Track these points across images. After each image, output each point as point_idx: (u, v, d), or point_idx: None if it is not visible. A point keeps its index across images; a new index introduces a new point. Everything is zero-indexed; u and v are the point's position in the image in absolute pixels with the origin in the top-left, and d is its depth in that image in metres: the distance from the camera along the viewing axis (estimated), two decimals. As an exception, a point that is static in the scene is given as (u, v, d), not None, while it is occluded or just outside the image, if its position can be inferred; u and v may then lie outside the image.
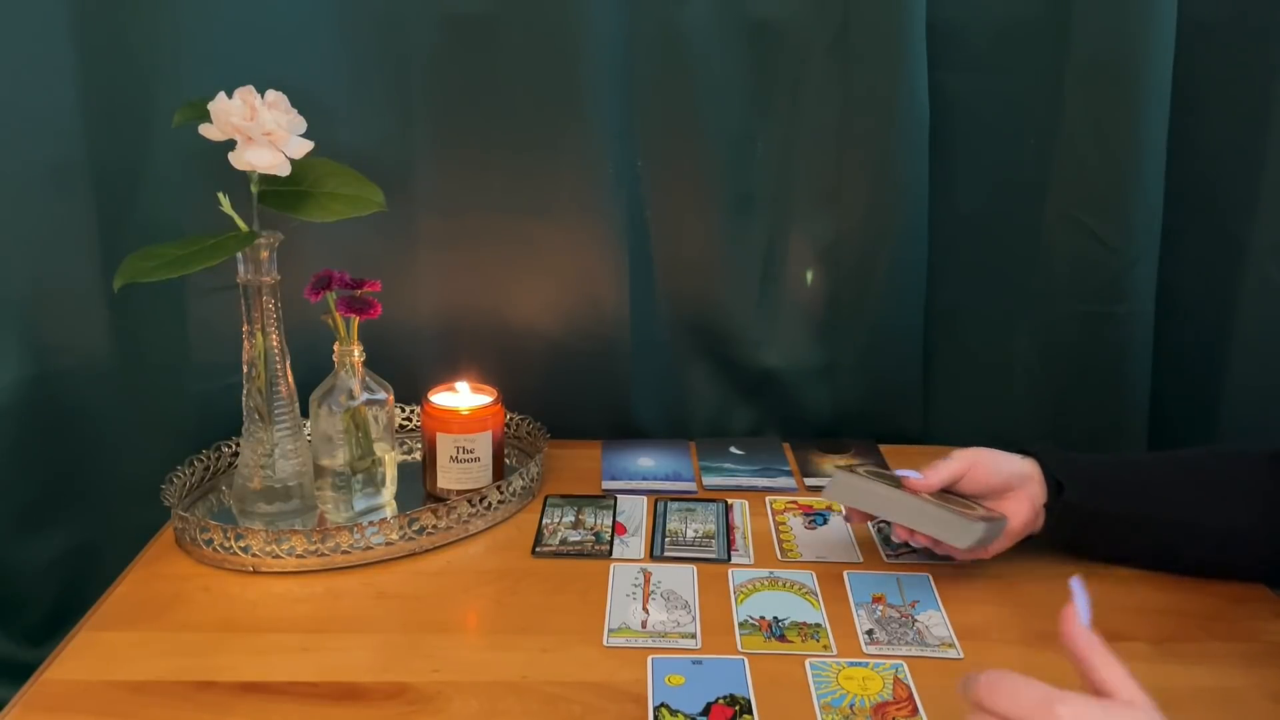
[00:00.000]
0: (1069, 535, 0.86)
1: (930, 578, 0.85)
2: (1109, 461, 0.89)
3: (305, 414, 0.94)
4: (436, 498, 0.96)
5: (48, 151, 0.93)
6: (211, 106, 0.81)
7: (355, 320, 0.92)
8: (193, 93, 0.86)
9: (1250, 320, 1.01)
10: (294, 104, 0.84)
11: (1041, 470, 0.85)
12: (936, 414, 1.14)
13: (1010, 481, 0.84)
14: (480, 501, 0.92)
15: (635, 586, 0.84)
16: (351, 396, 0.93)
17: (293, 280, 0.90)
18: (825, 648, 0.76)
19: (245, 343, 0.89)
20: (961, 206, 1.07)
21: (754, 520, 0.95)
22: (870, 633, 0.78)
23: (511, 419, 1.07)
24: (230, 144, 0.82)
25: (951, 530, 0.80)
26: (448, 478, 0.96)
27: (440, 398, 0.98)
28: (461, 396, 0.99)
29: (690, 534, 0.92)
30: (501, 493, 0.94)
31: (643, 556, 0.89)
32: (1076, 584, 0.61)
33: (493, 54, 0.99)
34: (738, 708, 0.69)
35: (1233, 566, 0.85)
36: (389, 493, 0.98)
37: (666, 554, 0.89)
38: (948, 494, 0.85)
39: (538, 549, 0.90)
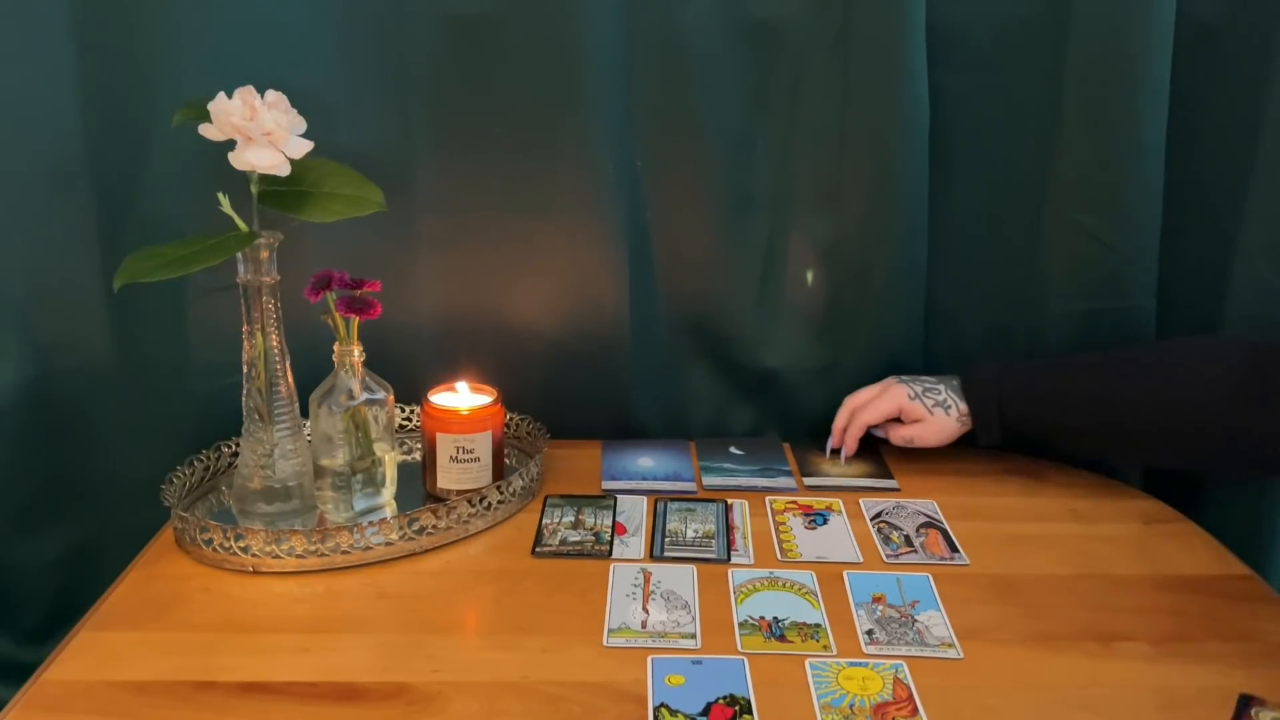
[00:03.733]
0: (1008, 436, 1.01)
1: (930, 578, 0.85)
2: (1044, 382, 1.00)
3: (305, 414, 0.94)
4: (436, 498, 0.96)
5: (48, 151, 0.93)
6: (211, 106, 0.81)
7: (355, 320, 0.92)
8: (193, 93, 0.86)
9: (1246, 320, 1.01)
10: (294, 104, 0.84)
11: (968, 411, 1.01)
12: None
13: (933, 417, 1.02)
14: (480, 501, 0.92)
15: (635, 586, 0.84)
16: (351, 396, 0.93)
17: (293, 280, 0.90)
18: (825, 648, 0.76)
19: (245, 343, 0.89)
20: (961, 206, 1.07)
21: (754, 520, 0.95)
22: (870, 633, 0.78)
23: (511, 419, 1.07)
24: (230, 144, 0.82)
25: None
26: (448, 478, 0.96)
27: (440, 398, 0.98)
28: (461, 396, 0.99)
29: (690, 534, 0.92)
30: (501, 493, 0.94)
31: (643, 556, 0.89)
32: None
33: (493, 54, 0.99)
34: (738, 708, 0.69)
35: (1192, 460, 0.96)
36: (389, 493, 0.98)
37: (666, 554, 0.89)
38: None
39: (538, 549, 0.90)
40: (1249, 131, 0.98)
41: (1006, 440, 1.01)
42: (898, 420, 1.04)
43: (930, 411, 1.01)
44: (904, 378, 1.05)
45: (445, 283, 1.07)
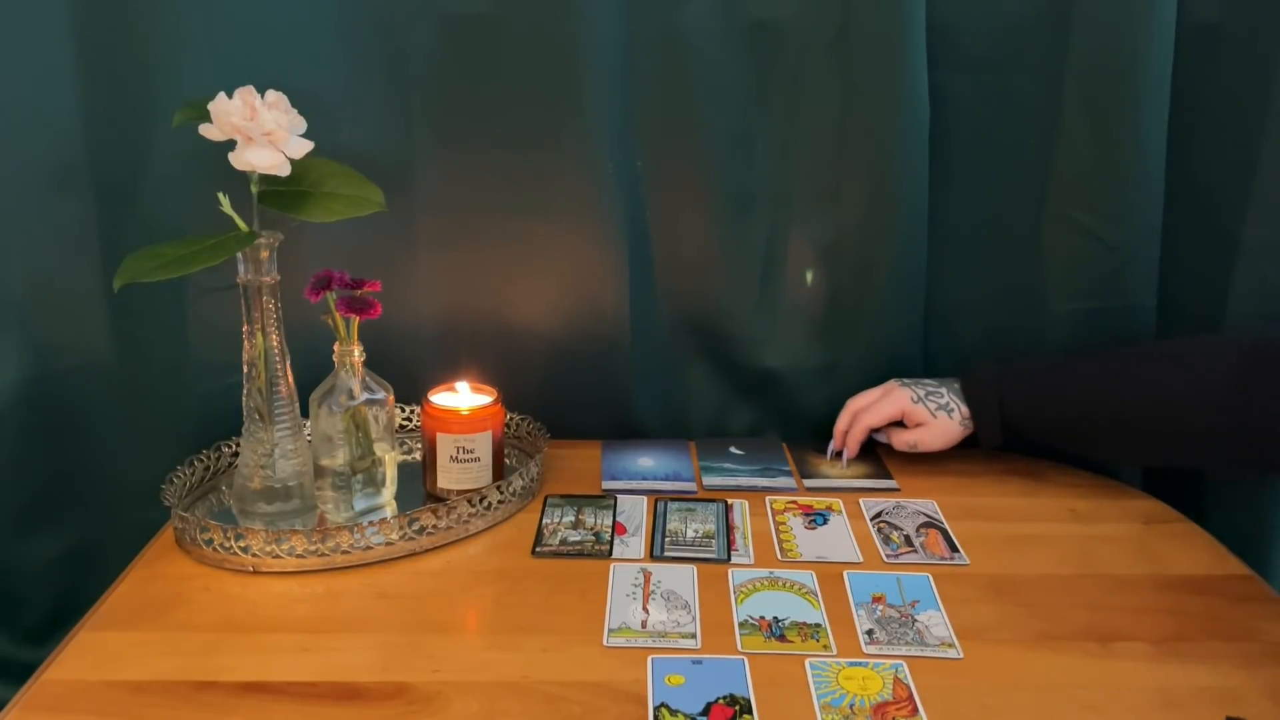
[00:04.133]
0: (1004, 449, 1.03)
1: (930, 578, 0.85)
2: (1045, 383, 1.00)
3: (305, 414, 0.94)
4: (436, 498, 0.96)
5: (48, 151, 0.93)
6: (211, 106, 0.81)
7: (355, 320, 0.92)
8: (193, 93, 0.86)
9: (1248, 319, 1.01)
10: (294, 104, 0.84)
11: (969, 414, 1.01)
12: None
13: (936, 421, 1.02)
14: (480, 501, 0.92)
15: (635, 586, 0.84)
16: (351, 396, 0.93)
17: (293, 280, 0.90)
18: (825, 648, 0.76)
19: (245, 343, 0.89)
20: (961, 206, 1.07)
21: (754, 520, 0.95)
22: (870, 633, 0.78)
23: (511, 419, 1.07)
24: (230, 144, 0.82)
25: None
26: (448, 478, 0.96)
27: (440, 398, 0.98)
28: (461, 396, 0.99)
29: (690, 534, 0.92)
30: (501, 493, 0.94)
31: (643, 556, 0.89)
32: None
33: (493, 54, 0.99)
34: (738, 708, 0.69)
35: (1193, 459, 0.97)
36: (389, 493, 0.98)
37: (666, 554, 0.89)
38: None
39: (538, 549, 0.90)
40: (1251, 131, 0.98)
41: (1008, 441, 1.01)
42: (899, 425, 1.04)
43: (934, 415, 1.01)
44: (906, 381, 1.05)
45: (445, 283, 1.07)
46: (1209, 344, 0.97)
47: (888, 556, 0.89)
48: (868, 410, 1.04)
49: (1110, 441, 0.98)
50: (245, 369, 0.90)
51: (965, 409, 1.01)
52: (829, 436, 1.08)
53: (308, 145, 0.84)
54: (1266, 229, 0.99)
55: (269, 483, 0.91)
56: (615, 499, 0.99)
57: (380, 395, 0.95)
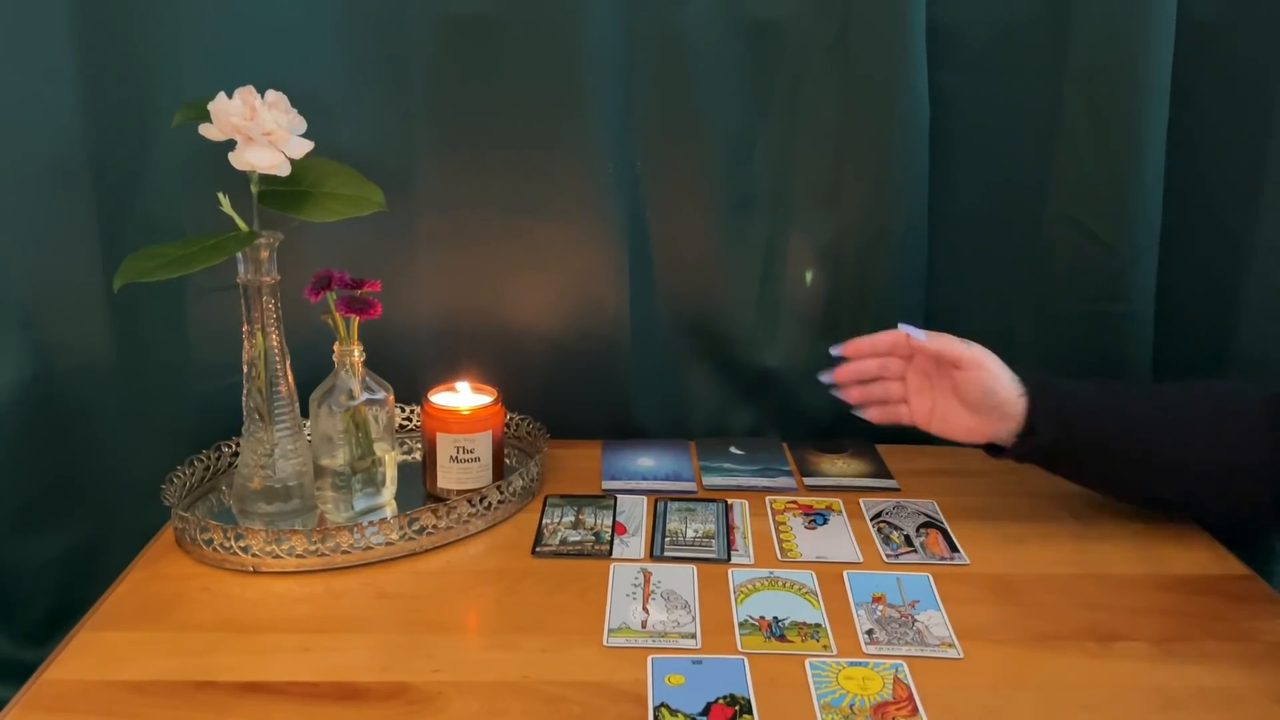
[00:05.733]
0: (1037, 463, 0.91)
1: (930, 578, 0.85)
2: (1099, 400, 0.89)
3: (305, 414, 0.94)
4: (436, 498, 0.96)
5: (49, 150, 0.93)
6: (211, 106, 0.81)
7: (355, 320, 0.92)
8: (193, 93, 0.86)
9: (1251, 320, 1.01)
10: (294, 104, 0.84)
11: (1025, 411, 0.87)
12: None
13: (994, 407, 0.87)
14: (480, 501, 0.92)
15: (635, 586, 0.84)
16: (351, 396, 0.93)
17: (293, 280, 0.90)
18: (825, 648, 0.76)
19: (245, 343, 0.89)
20: (961, 206, 1.07)
21: (754, 520, 0.95)
22: (870, 633, 0.78)
23: (511, 419, 1.07)
24: (230, 144, 0.82)
25: None
26: (448, 478, 0.96)
27: (440, 398, 0.98)
28: (461, 396, 0.99)
29: (690, 534, 0.92)
30: (501, 493, 0.94)
31: (643, 556, 0.89)
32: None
33: (493, 54, 0.99)
34: (738, 708, 0.69)
35: (1232, 504, 0.88)
36: (389, 493, 0.98)
37: (666, 554, 0.89)
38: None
39: (538, 549, 0.90)
40: (1257, 130, 0.98)
41: (1032, 458, 0.91)
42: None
43: (1008, 383, 0.87)
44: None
45: (445, 282, 1.07)
46: (1240, 389, 0.90)
47: (888, 556, 0.89)
48: (939, 338, 0.90)
49: (1147, 485, 0.91)
50: (245, 369, 0.90)
51: (1021, 393, 0.87)
52: (829, 436, 1.08)
53: (308, 145, 0.84)
54: (1274, 229, 0.98)
55: (269, 483, 0.91)
56: (615, 499, 0.99)
57: (380, 395, 0.95)
